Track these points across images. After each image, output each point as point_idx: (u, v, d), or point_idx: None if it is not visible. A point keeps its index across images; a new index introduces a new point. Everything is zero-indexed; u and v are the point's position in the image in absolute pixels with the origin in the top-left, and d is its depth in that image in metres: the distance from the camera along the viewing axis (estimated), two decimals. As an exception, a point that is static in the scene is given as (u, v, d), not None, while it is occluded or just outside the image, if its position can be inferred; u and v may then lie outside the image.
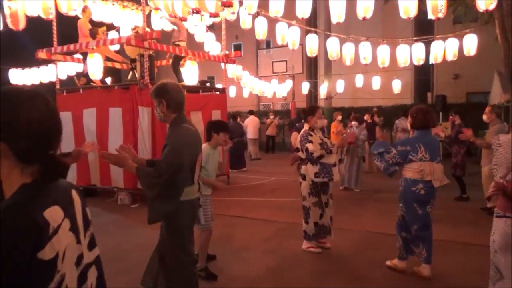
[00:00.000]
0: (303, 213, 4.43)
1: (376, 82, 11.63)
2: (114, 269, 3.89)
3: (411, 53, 8.01)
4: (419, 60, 8.01)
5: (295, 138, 4.56)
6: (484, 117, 5.78)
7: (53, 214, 0.98)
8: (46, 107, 1.01)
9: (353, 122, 8.06)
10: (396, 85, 11.83)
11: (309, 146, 4.24)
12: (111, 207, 6.74)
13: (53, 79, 8.67)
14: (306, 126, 4.42)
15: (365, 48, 7.93)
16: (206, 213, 3.67)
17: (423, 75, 17.01)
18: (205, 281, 3.62)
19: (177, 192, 2.56)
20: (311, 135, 4.31)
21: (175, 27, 7.78)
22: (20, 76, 9.93)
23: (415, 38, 8.66)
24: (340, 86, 12.65)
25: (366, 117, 9.89)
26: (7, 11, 6.38)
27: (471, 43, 7.56)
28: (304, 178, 4.38)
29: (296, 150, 4.49)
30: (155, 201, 2.56)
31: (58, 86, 8.14)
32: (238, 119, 12.22)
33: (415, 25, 15.12)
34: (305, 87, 14.21)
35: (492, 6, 5.16)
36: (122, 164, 2.55)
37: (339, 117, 9.56)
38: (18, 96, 0.99)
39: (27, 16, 7.05)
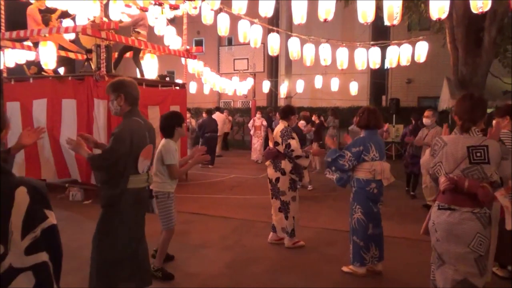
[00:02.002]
0: (283, 209, 4.45)
1: (335, 84, 11.93)
2: (65, 266, 3.69)
3: (368, 57, 8.29)
4: (375, 64, 8.30)
5: (276, 133, 4.52)
6: (427, 120, 6.22)
7: None
8: None
9: (300, 122, 8.15)
10: (353, 87, 12.19)
11: (292, 142, 4.33)
12: (62, 203, 6.42)
13: (0, 66, 8.13)
14: (284, 124, 4.48)
15: (325, 49, 8.10)
16: (169, 211, 3.58)
17: (378, 78, 17.69)
18: (161, 281, 3.54)
19: (120, 177, 2.74)
20: (293, 132, 4.41)
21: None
22: (-38, 62, 9.22)
23: (372, 42, 8.96)
24: (300, 86, 12.84)
25: (314, 117, 10.18)
26: None
27: (422, 50, 7.94)
28: (283, 173, 4.42)
29: (275, 144, 4.49)
30: (103, 185, 2.81)
31: (5, 74, 7.65)
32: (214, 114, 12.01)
33: (373, 30, 15.69)
34: (266, 85, 14.31)
35: (444, 15, 5.44)
36: (79, 150, 2.78)
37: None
38: None
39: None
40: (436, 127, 6.21)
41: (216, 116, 12.88)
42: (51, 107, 6.90)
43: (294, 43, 7.91)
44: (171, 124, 3.59)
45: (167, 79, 8.97)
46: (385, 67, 8.93)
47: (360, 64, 8.33)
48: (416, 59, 8.04)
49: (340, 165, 3.74)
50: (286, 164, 4.41)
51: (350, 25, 15.02)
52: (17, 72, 8.31)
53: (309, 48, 8.07)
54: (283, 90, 14.56)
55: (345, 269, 3.85)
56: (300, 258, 4.22)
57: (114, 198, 2.75)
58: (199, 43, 19.25)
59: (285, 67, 18.26)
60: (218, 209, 6.22)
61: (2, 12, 7.32)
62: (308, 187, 7.70)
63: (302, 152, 4.37)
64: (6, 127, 1.16)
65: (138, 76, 7.74)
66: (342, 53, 8.25)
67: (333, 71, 11.29)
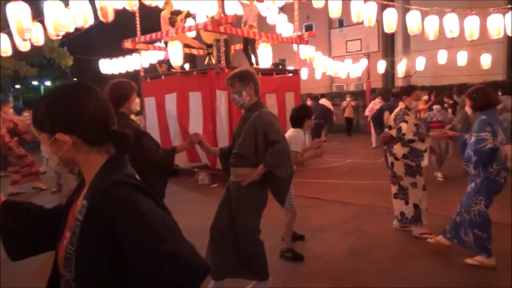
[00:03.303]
0: (399, 194, 4.27)
1: (462, 58, 10.74)
2: (198, 243, 4.13)
3: (505, 23, 7.22)
4: (514, 30, 7.20)
5: (387, 117, 4.41)
6: None
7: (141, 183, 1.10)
8: (96, 96, 1.10)
9: (435, 107, 7.49)
10: (486, 60, 10.81)
11: (403, 126, 4.08)
12: (192, 186, 7.15)
13: (138, 67, 9.31)
14: (401, 105, 4.26)
15: (451, 20, 7.31)
16: (290, 194, 3.67)
17: (517, 47, 15.29)
18: (291, 262, 3.69)
19: (289, 160, 2.85)
20: (407, 115, 4.14)
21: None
22: (109, 66, 10.80)
23: (509, 6, 7.79)
24: (420, 63, 11.89)
25: (446, 99, 9.23)
26: (98, 6, 6.90)
27: None
28: (395, 158, 4.23)
29: (389, 128, 4.32)
30: (286, 179, 2.85)
31: (142, 74, 8.72)
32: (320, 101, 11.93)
33: (509, -9, 13.55)
34: (381, 66, 13.56)
35: None
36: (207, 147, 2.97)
37: (425, 97, 9.01)
38: (74, 93, 1.08)
39: (114, 9, 7.59)
40: None
41: (323, 102, 12.66)
42: (180, 100, 7.66)
43: (413, 17, 7.32)
44: (301, 116, 3.76)
45: (280, 66, 9.16)
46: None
47: (496, 32, 7.31)
48: None
49: (482, 152, 3.25)
50: (398, 149, 4.17)
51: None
52: (151, 71, 9.41)
53: (432, 20, 7.38)
54: (400, 69, 13.62)
55: (469, 261, 3.49)
56: (427, 247, 3.97)
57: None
58: (309, 28, 19.12)
59: (402, 44, 17.01)
60: (335, 194, 6.18)
61: (137, 19, 8.33)
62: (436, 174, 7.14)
63: (414, 136, 4.02)
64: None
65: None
66: (472, 22, 7.35)
67: (460, 44, 10.17)
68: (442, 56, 11.11)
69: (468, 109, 3.57)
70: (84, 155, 1.09)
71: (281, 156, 2.78)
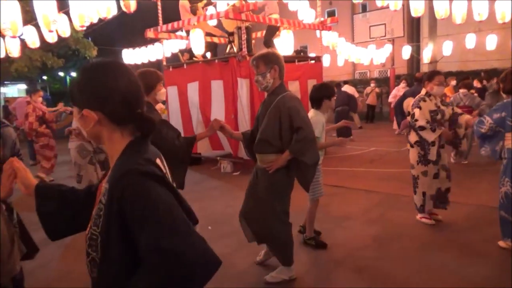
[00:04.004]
0: (412, 183, 4.25)
1: (491, 41, 10.33)
2: (219, 231, 4.20)
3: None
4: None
5: (408, 104, 4.34)
6: None
7: (160, 164, 1.16)
8: (128, 77, 1.12)
9: (461, 90, 7.26)
10: (517, 43, 10.35)
11: (416, 111, 4.00)
12: (215, 174, 7.23)
13: (160, 56, 9.39)
14: (423, 91, 4.17)
15: (480, 2, 7.02)
16: (316, 182, 3.64)
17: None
18: (314, 249, 3.71)
19: (315, 147, 2.88)
20: (424, 101, 4.03)
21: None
22: (131, 56, 10.93)
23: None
24: (447, 48, 11.51)
25: (475, 82, 8.91)
26: (120, -4, 6.96)
27: None
28: (411, 145, 4.17)
29: (407, 115, 4.26)
30: (310, 166, 2.87)
31: (164, 63, 8.80)
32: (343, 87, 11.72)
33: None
34: (406, 51, 13.21)
35: None
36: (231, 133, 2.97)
37: (453, 82, 8.74)
38: (106, 73, 1.10)
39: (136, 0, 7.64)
40: None
41: (347, 88, 12.48)
42: (202, 88, 7.70)
43: (440, 0, 7.07)
44: (319, 95, 3.64)
45: (302, 54, 9.06)
46: None
47: (529, 14, 6.98)
48: None
49: (479, 132, 3.44)
50: (412, 136, 4.10)
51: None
52: (173, 60, 9.48)
53: (460, 3, 7.11)
54: (426, 54, 13.22)
55: (502, 244, 3.49)
56: (454, 236, 3.90)
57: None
58: (331, 14, 18.76)
59: (428, 29, 16.46)
60: (358, 182, 6.12)
61: (159, 9, 8.37)
62: (462, 161, 6.98)
63: (427, 124, 3.91)
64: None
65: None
66: (504, 4, 7.03)
67: (489, 27, 9.79)
68: (470, 40, 10.71)
69: (502, 94, 3.57)
70: (109, 133, 1.12)
71: (306, 143, 2.78)
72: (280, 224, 2.99)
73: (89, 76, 1.11)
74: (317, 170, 3.64)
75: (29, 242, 2.24)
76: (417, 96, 4.16)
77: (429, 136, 3.94)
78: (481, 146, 3.57)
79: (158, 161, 1.15)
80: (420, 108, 4.00)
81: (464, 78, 7.99)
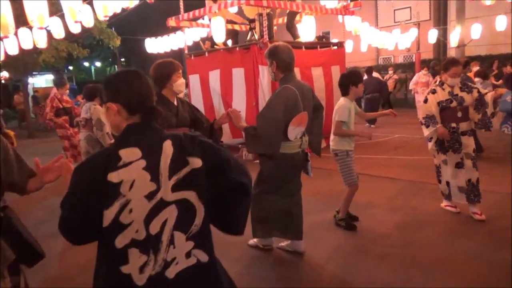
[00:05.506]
0: (436, 172, 4.20)
1: (524, 23, 9.86)
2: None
3: None
4: None
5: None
6: None
7: (129, 152, 1.30)
8: (140, 79, 1.43)
9: (476, 79, 6.97)
10: (552, 25, 9.86)
11: (421, 106, 4.07)
12: (237, 162, 7.26)
13: (182, 45, 9.44)
14: (437, 78, 4.10)
15: (513, -18, 6.71)
16: (349, 168, 3.72)
17: None
18: (343, 230, 3.80)
19: (273, 144, 2.95)
20: (433, 93, 3.97)
21: None
22: (154, 45, 11.03)
23: None
24: (476, 31, 11.06)
25: (509, 68, 8.56)
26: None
27: None
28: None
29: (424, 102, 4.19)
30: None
31: (186, 51, 8.84)
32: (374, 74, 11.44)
33: None
34: (433, 35, 12.78)
35: None
36: (237, 123, 3.00)
37: (475, 68, 8.44)
38: (124, 76, 1.43)
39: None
40: None
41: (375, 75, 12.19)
42: (224, 76, 7.71)
43: (470, -19, 6.80)
44: (346, 82, 3.73)
45: (324, 40, 8.91)
46: None
47: None
48: None
49: (507, 104, 3.49)
50: None
51: None
52: (195, 49, 9.51)
53: (491, -17, 6.82)
54: (453, 38, 12.74)
55: None
56: (482, 225, 3.81)
57: (269, 166, 3.13)
58: (354, -2, 18.32)
59: (456, 11, 15.82)
60: (382, 170, 6.04)
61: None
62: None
63: (423, 119, 3.95)
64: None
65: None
66: (538, -17, 6.70)
67: (522, 8, 9.34)
68: (500, 22, 10.27)
69: None
70: (124, 121, 1.40)
71: (255, 132, 2.96)
72: (254, 203, 3.16)
73: (112, 78, 1.46)
74: (349, 156, 3.73)
75: (26, 248, 1.75)
76: (430, 86, 4.11)
77: (424, 131, 4.01)
78: (504, 123, 3.48)
79: (130, 149, 1.31)
80: (426, 101, 3.99)
81: (491, 63, 7.68)
